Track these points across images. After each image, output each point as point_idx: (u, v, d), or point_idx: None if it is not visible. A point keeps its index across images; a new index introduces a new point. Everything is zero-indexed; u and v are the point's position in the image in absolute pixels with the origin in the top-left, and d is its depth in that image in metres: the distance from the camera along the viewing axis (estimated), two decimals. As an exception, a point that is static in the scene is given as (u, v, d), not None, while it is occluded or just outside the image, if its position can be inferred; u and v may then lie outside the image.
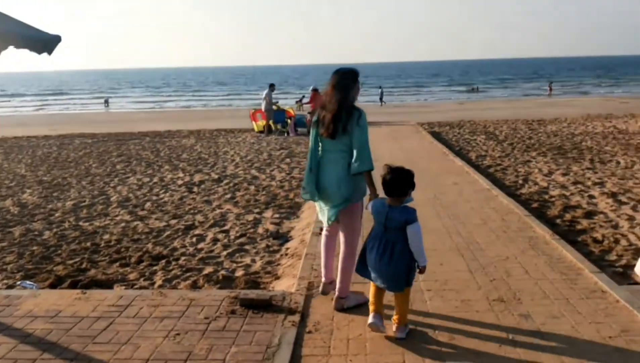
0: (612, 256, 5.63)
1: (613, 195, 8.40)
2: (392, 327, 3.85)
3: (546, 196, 8.47)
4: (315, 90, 21.23)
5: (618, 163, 11.30)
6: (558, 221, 7.00)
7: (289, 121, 20.37)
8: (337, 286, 4.34)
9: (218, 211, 8.73)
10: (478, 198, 7.92)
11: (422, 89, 67.45)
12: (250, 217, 8.27)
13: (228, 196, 9.81)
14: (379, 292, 3.88)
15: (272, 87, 20.97)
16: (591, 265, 4.99)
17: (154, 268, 6.21)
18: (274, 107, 21.04)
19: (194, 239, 7.24)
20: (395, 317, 3.84)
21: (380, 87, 45.75)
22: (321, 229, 4.68)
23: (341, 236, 4.39)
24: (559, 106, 33.84)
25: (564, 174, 10.23)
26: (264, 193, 10.00)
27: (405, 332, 3.83)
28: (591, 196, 8.39)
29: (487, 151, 13.47)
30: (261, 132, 20.97)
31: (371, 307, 3.89)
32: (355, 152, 4.11)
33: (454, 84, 76.94)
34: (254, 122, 21.84)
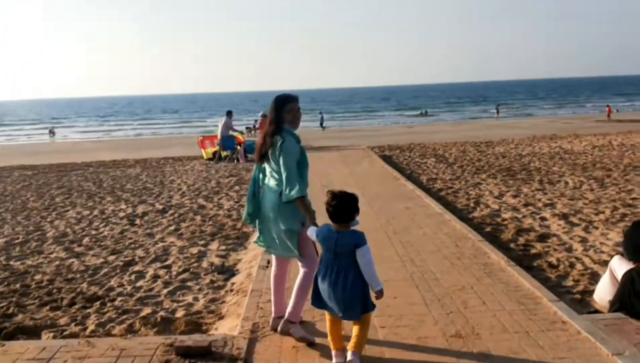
0: (569, 282, 5.47)
1: (564, 216, 8.36)
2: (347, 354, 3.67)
3: (498, 219, 8.35)
4: (264, 116, 21.00)
5: (567, 183, 11.39)
6: (512, 245, 6.85)
7: (238, 147, 19.96)
8: (289, 309, 4.19)
9: (160, 244, 8.24)
10: (431, 222, 7.71)
11: (373, 113, 68.11)
12: (194, 250, 7.82)
13: (172, 227, 9.32)
14: (336, 325, 3.76)
15: (229, 114, 20.55)
16: (549, 292, 4.79)
17: (88, 310, 5.70)
18: (237, 134, 20.65)
19: (133, 276, 6.75)
20: (351, 343, 3.67)
21: (320, 113, 45.74)
22: (268, 261, 4.53)
23: (299, 264, 4.26)
24: (505, 127, 34.64)
25: (514, 196, 10.19)
26: (210, 223, 9.56)
27: (359, 360, 3.64)
28: (543, 218, 8.32)
29: (438, 174, 13.42)
30: (210, 159, 20.47)
31: (332, 344, 3.76)
32: (283, 179, 4.03)
33: (404, 108, 78.17)
34: (202, 150, 21.33)
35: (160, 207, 11.21)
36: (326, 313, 3.79)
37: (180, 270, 6.91)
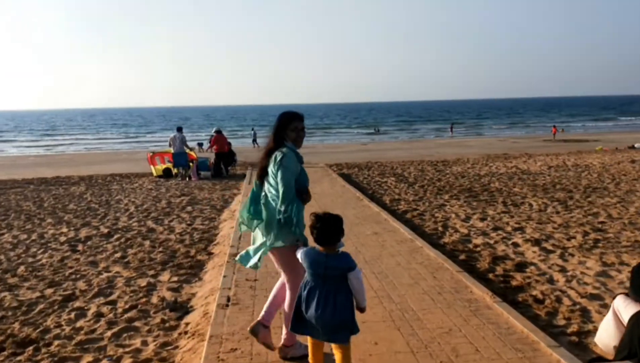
0: (560, 320, 5.03)
1: (537, 242, 8.02)
2: None
3: (470, 245, 7.94)
4: (218, 132, 20.19)
5: (531, 205, 11.16)
6: (491, 276, 6.41)
7: (191, 164, 19.13)
8: (284, 335, 4.18)
9: (105, 275, 7.44)
10: (402, 250, 7.21)
11: (325, 131, 67.82)
12: (143, 282, 7.06)
13: (118, 254, 8.52)
14: (319, 349, 3.72)
15: (180, 130, 19.71)
16: (546, 337, 4.31)
17: (18, 358, 4.91)
18: (189, 150, 19.85)
19: (73, 314, 5.96)
20: None
21: (252, 129, 44.91)
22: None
23: (285, 283, 4.17)
24: (457, 146, 34.97)
25: (481, 219, 9.85)
26: (160, 249, 8.80)
27: None
28: (515, 244, 7.96)
29: (400, 195, 13.01)
30: (160, 176, 19.55)
31: None
32: (280, 195, 3.95)
33: (356, 125, 78.35)
34: (152, 166, 20.38)
35: (106, 231, 10.35)
36: (308, 338, 3.72)
37: (127, 306, 6.16)
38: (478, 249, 7.71)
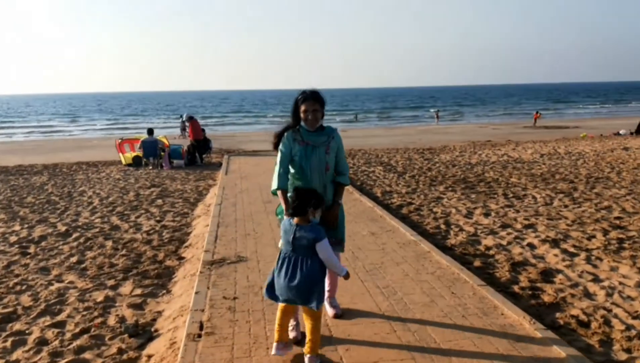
0: (620, 353, 4.04)
1: (554, 243, 7.08)
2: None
3: (481, 247, 6.95)
4: (191, 118, 18.91)
5: (534, 198, 10.23)
6: (516, 288, 5.41)
7: (162, 153, 17.85)
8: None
9: (56, 285, 6.30)
10: (407, 256, 6.17)
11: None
12: (99, 296, 5.94)
13: (74, 259, 7.37)
14: (288, 316, 3.88)
15: (151, 132, 18.42)
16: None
17: None
18: (162, 137, 18.68)
19: (9, 341, 4.84)
20: (307, 345, 3.76)
21: (181, 116, 42.41)
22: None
23: None
24: (438, 133, 34.13)
25: (485, 215, 8.88)
26: (124, 252, 7.65)
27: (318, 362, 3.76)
28: (531, 246, 7.00)
29: (392, 186, 11.99)
30: (129, 165, 18.25)
31: (277, 335, 3.87)
32: None
33: (338, 113, 77.02)
34: (121, 154, 19.04)
35: (63, 229, 9.15)
36: (279, 305, 3.86)
37: (78, 330, 5.04)
38: (491, 252, 6.72)
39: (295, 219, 3.74)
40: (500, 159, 16.68)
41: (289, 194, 4.17)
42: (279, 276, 3.75)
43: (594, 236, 7.38)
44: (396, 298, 4.86)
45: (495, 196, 10.55)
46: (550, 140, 24.40)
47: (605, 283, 5.51)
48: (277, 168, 4.23)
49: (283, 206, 4.16)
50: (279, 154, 4.23)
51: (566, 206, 9.39)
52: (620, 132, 27.92)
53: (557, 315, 4.73)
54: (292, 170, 4.26)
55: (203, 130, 19.55)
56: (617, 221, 8.20)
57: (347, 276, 3.80)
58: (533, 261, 6.32)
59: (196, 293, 5.21)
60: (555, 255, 6.50)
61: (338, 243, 4.28)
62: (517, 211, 9.07)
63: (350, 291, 5.06)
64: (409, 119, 57.74)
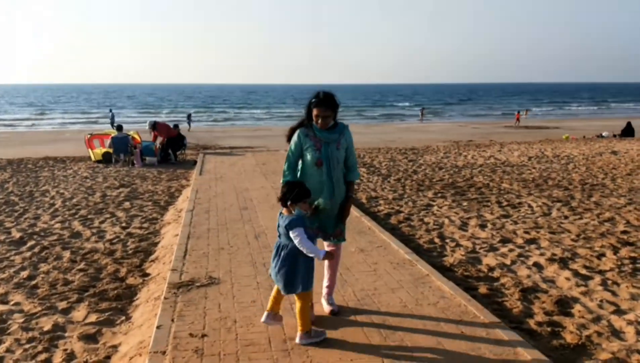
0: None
1: (562, 262, 6.39)
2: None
3: (483, 268, 6.21)
4: (153, 126, 17.92)
5: (530, 207, 9.57)
6: (532, 323, 4.68)
7: (134, 149, 16.86)
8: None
9: (-2, 308, 5.41)
10: (403, 280, 5.40)
11: (277, 112, 65.07)
12: (47, 323, 5.10)
13: (25, 273, 6.50)
14: (279, 294, 4.17)
15: (120, 129, 17.42)
16: None
17: None
18: (133, 133, 17.67)
19: None
20: (297, 326, 4.04)
21: (110, 110, 40.78)
22: None
23: None
24: (418, 131, 33.60)
25: (481, 226, 8.18)
26: (82, 265, 6.79)
27: (309, 339, 4.02)
28: (538, 266, 6.30)
29: (377, 191, 11.24)
30: (99, 161, 17.23)
31: (269, 304, 4.22)
32: None
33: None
34: (90, 150, 17.99)
35: (18, 235, 8.25)
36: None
37: (13, 373, 4.18)
38: (495, 274, 5.99)
39: (284, 210, 4.05)
40: (488, 161, 16.06)
41: None
42: (271, 263, 4.14)
43: (603, 255, 6.71)
44: (395, 339, 4.08)
45: (489, 204, 9.87)
46: (533, 141, 23.94)
47: (631, 316, 4.81)
48: (287, 161, 4.45)
49: None
50: (290, 148, 4.43)
51: (566, 218, 8.74)
52: (603, 134, 27.63)
53: (587, 362, 4.00)
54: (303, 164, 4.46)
55: (176, 126, 18.58)
56: (625, 237, 7.56)
57: (325, 256, 3.95)
58: (544, 286, 5.61)
59: (157, 327, 4.37)
60: (567, 279, 5.80)
61: (340, 234, 4.54)
62: (515, 223, 8.39)
63: (341, 326, 4.29)
64: (387, 117, 56.96)
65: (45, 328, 5.00)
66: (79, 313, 5.35)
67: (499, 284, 5.66)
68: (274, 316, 4.19)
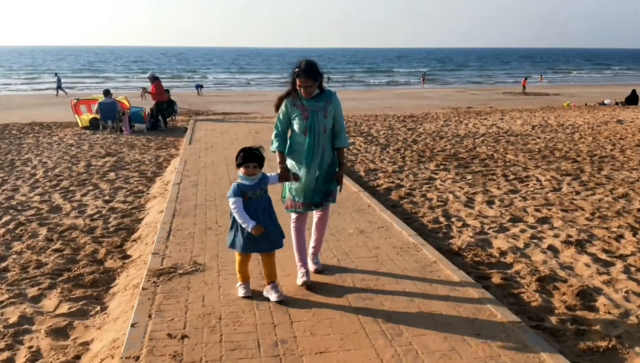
0: None
1: (579, 245, 5.88)
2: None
3: (494, 252, 5.68)
4: (155, 78, 17.13)
5: (539, 180, 9.04)
6: (553, 320, 4.17)
7: (122, 115, 16.18)
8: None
9: (-40, 297, 4.89)
10: (408, 267, 4.88)
11: (273, 77, 63.64)
12: (14, 313, 4.61)
13: (-6, 255, 5.93)
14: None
15: (108, 94, 16.66)
16: None
17: None
18: (121, 98, 17.01)
19: None
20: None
21: (56, 74, 38.14)
22: None
23: None
24: (415, 97, 32.82)
25: (488, 203, 7.66)
26: (58, 244, 6.27)
27: (242, 291, 4.34)
28: (553, 249, 5.79)
29: (375, 163, 10.67)
30: (86, 128, 16.58)
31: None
32: None
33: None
34: (77, 116, 17.31)
35: (-7, 209, 7.68)
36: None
37: (-33, 378, 3.67)
38: (508, 259, 5.47)
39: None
40: (490, 130, 15.47)
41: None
42: None
43: (622, 237, 6.20)
44: (402, 342, 3.57)
45: (495, 177, 9.33)
46: (535, 109, 23.29)
47: (662, 312, 4.32)
48: (275, 130, 4.48)
49: (279, 166, 4.42)
50: (278, 117, 4.44)
51: (578, 193, 8.22)
52: (605, 102, 26.97)
53: (622, 371, 3.52)
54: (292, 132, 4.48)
55: (167, 91, 17.85)
56: (642, 215, 7.06)
57: (253, 228, 3.98)
58: (562, 274, 5.10)
59: (132, 325, 3.85)
60: (587, 265, 5.30)
61: (330, 196, 4.54)
62: (524, 199, 7.87)
63: (339, 326, 3.78)
64: (383, 83, 55.85)
65: (11, 321, 4.48)
66: (49, 302, 4.84)
67: (513, 271, 5.15)
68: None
